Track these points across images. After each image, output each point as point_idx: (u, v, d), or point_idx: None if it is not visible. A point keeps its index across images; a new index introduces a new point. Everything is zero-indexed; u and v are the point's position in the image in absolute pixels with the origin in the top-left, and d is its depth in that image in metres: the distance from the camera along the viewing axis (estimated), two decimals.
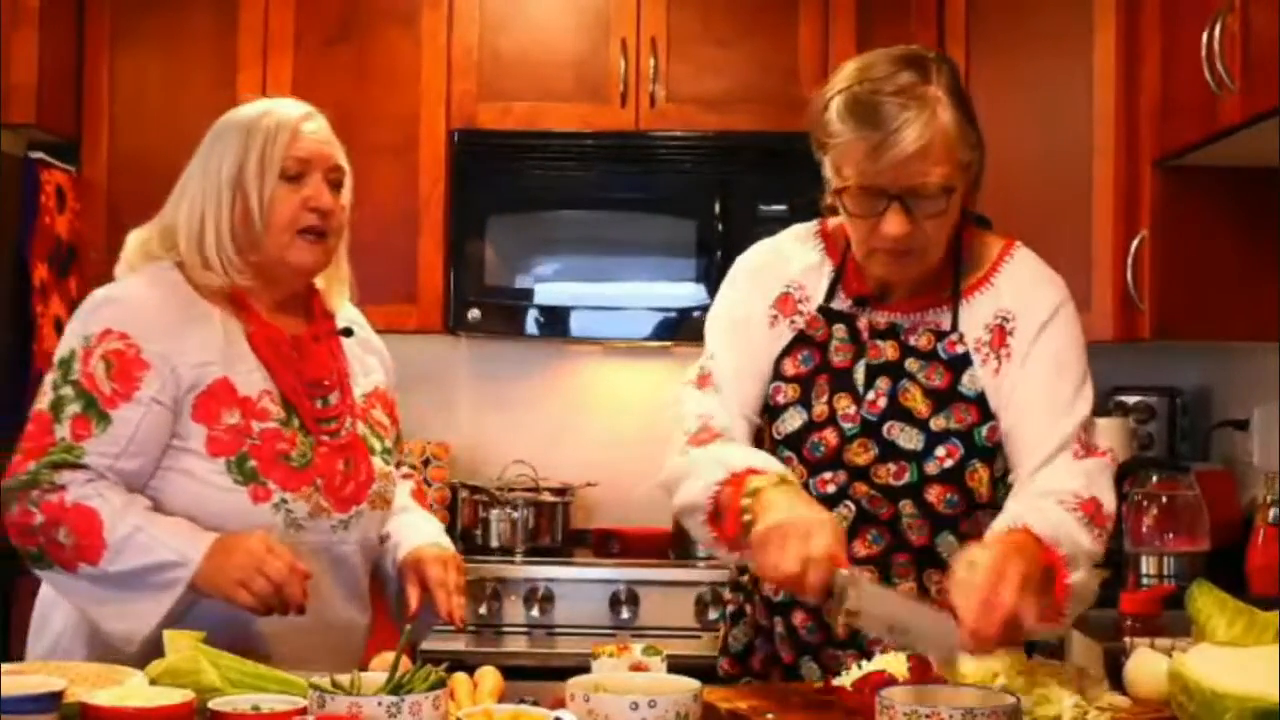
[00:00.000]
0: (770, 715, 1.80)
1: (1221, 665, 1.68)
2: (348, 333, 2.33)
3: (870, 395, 2.06)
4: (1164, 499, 3.30)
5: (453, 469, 4.25)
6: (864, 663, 1.87)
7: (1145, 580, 3.28)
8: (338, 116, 2.31)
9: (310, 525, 2.17)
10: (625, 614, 3.71)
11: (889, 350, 2.08)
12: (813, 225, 2.19)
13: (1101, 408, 2.89)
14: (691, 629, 3.71)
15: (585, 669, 1.87)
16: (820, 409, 2.07)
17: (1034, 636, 1.94)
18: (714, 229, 3.94)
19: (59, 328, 3.80)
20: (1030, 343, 2.05)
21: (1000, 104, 3.32)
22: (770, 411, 2.11)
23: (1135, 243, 3.32)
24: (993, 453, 2.05)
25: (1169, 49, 3.18)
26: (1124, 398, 3.91)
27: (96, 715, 1.59)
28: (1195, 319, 3.32)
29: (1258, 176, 3.20)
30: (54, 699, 1.59)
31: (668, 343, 4.13)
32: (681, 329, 3.97)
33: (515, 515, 4.01)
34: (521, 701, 1.76)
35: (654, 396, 4.22)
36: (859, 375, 2.08)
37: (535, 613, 3.73)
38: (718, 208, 3.94)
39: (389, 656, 1.78)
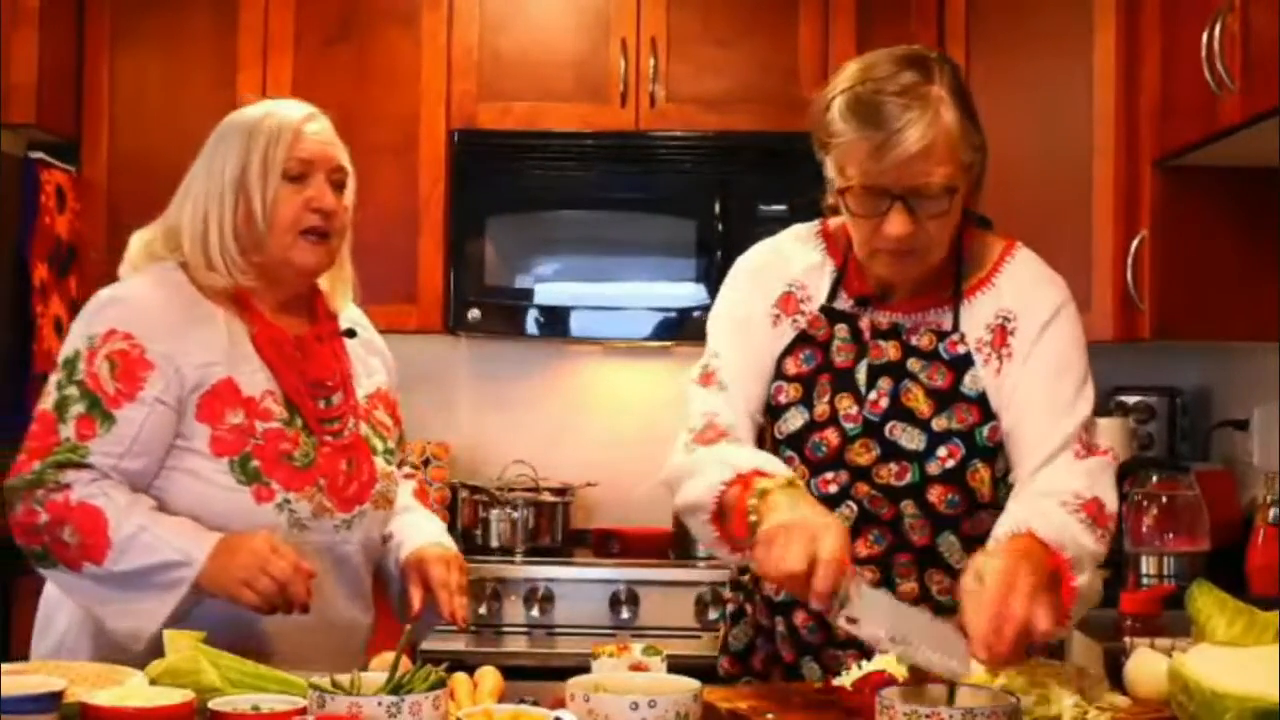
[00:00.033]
0: (770, 715, 1.80)
1: (1221, 665, 1.68)
2: (351, 334, 2.33)
3: (872, 395, 2.06)
4: (1164, 499, 3.30)
5: (453, 469, 4.25)
6: (864, 663, 1.88)
7: (1145, 580, 3.28)
8: (338, 117, 2.31)
9: (313, 525, 2.17)
10: (625, 614, 3.72)
11: (891, 350, 2.08)
12: (814, 225, 2.19)
13: (1102, 408, 2.89)
14: (691, 629, 3.71)
15: (585, 669, 1.87)
16: (822, 409, 2.07)
17: (1043, 640, 1.94)
18: (714, 229, 3.94)
19: (59, 328, 3.80)
20: (1032, 343, 2.05)
21: (1000, 104, 3.32)
22: (772, 411, 2.11)
23: (1135, 243, 3.33)
24: (994, 453, 2.05)
25: (1169, 49, 3.18)
26: (1124, 398, 3.91)
27: (96, 715, 1.59)
28: (1195, 319, 3.32)
29: (1258, 176, 3.20)
30: (54, 699, 1.59)
31: (668, 343, 4.13)
32: (681, 329, 3.97)
33: (515, 515, 4.01)
34: (521, 701, 1.76)
35: (654, 396, 4.24)
36: (861, 375, 2.08)
37: (535, 613, 3.73)
38: (718, 208, 3.94)
39: (389, 656, 1.78)
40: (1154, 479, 3.35)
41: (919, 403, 2.05)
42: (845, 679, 1.85)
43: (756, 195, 3.92)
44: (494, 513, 4.02)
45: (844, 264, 2.13)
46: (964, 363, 2.06)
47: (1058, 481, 1.96)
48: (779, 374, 2.11)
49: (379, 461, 2.28)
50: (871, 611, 1.74)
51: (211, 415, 2.14)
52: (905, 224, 1.96)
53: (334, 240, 2.24)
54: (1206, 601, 1.81)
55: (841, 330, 2.11)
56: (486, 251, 4.01)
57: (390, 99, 4.03)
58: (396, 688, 1.64)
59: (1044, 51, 3.63)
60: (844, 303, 2.12)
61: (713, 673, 2.14)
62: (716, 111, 4.02)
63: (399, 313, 3.91)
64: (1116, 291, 3.39)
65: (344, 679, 1.66)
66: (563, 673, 1.79)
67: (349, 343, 2.33)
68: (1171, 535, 3.28)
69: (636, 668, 1.89)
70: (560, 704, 1.68)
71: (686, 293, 3.98)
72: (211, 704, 1.65)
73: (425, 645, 2.56)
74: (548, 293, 4.04)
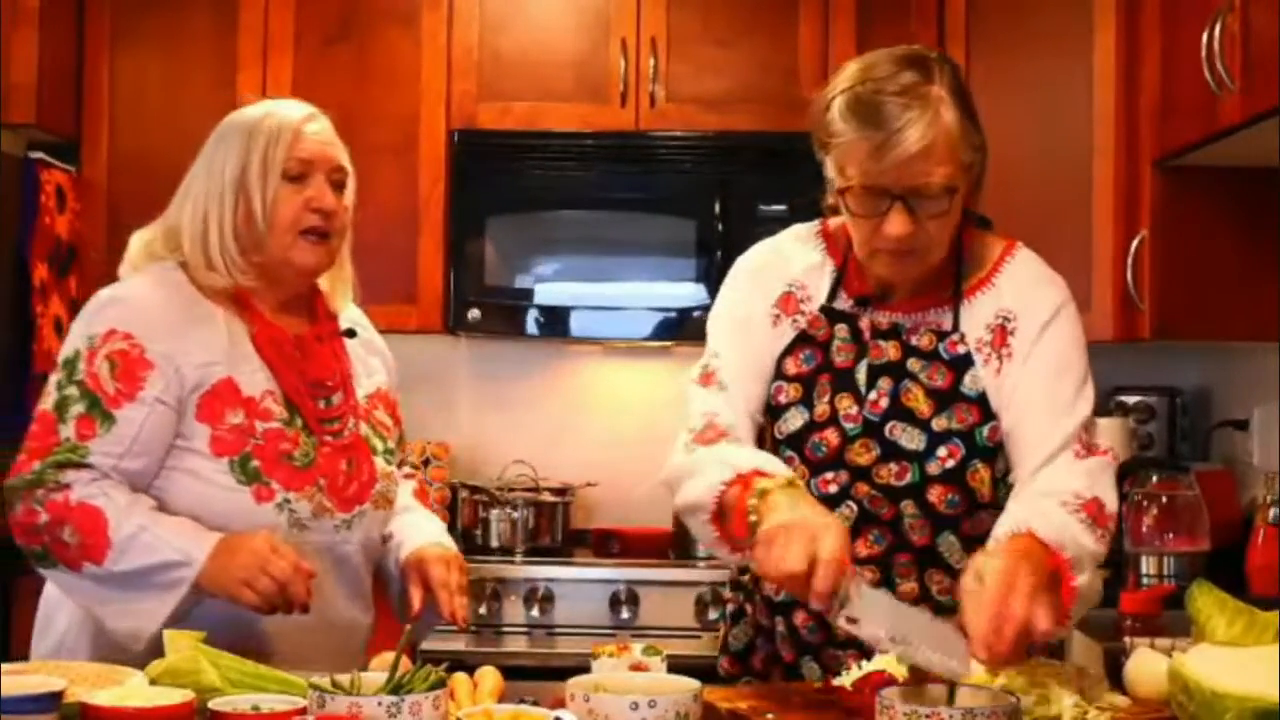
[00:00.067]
0: (770, 715, 1.80)
1: (1221, 665, 1.68)
2: (351, 334, 2.33)
3: (872, 395, 2.06)
4: (1164, 499, 3.30)
5: (453, 469, 4.25)
6: (864, 663, 1.87)
7: (1145, 580, 3.28)
8: (338, 117, 2.31)
9: (313, 525, 2.17)
10: (625, 614, 3.72)
11: (891, 350, 2.08)
12: (814, 225, 2.19)
13: (1102, 408, 2.89)
14: (691, 629, 3.71)
15: (585, 669, 1.87)
16: (822, 409, 2.07)
17: (1043, 640, 1.94)
18: (714, 229, 3.94)
19: (59, 328, 3.80)
20: (1032, 343, 2.05)
21: (1000, 104, 3.32)
22: (772, 411, 2.11)
23: (1135, 243, 3.33)
24: (994, 453, 2.05)
25: (1169, 49, 3.18)
26: (1124, 398, 3.91)
27: (96, 715, 1.59)
28: (1195, 319, 3.32)
29: (1258, 176, 3.20)
30: (54, 699, 1.59)
31: (668, 343, 4.13)
32: (681, 329, 3.97)
33: (515, 515, 4.01)
34: (521, 701, 1.76)
35: (654, 396, 4.24)
36: (861, 375, 2.08)
37: (535, 613, 3.73)
38: (718, 208, 3.94)
39: (389, 656, 1.78)
40: (1154, 479, 3.35)
41: (919, 403, 2.05)
42: (845, 679, 1.85)
43: (756, 195, 3.92)
44: (494, 513, 4.02)
45: (844, 264, 2.13)
46: (964, 363, 2.06)
47: (1058, 481, 1.96)
48: (779, 374, 2.11)
49: (379, 461, 2.28)
50: (871, 611, 1.74)
51: (211, 415, 2.14)
52: (905, 224, 1.96)
53: (334, 240, 2.24)
54: (1206, 601, 1.81)
55: (841, 330, 2.11)
56: (486, 251, 4.01)
57: (390, 99, 4.03)
58: (396, 688, 1.64)
59: (1044, 51, 3.63)
60: (844, 303, 2.12)
61: (713, 673, 2.13)
62: (716, 111, 4.02)
63: (399, 313, 3.91)
64: (1116, 291, 3.39)
65: (344, 679, 1.66)
66: (563, 673, 1.79)
67: (349, 343, 2.33)
68: (1171, 535, 3.28)
69: (636, 668, 1.89)
70: (560, 704, 1.68)
71: (686, 293, 3.98)
72: (211, 704, 1.64)
73: (425, 645, 2.56)
74: (548, 293, 4.04)
